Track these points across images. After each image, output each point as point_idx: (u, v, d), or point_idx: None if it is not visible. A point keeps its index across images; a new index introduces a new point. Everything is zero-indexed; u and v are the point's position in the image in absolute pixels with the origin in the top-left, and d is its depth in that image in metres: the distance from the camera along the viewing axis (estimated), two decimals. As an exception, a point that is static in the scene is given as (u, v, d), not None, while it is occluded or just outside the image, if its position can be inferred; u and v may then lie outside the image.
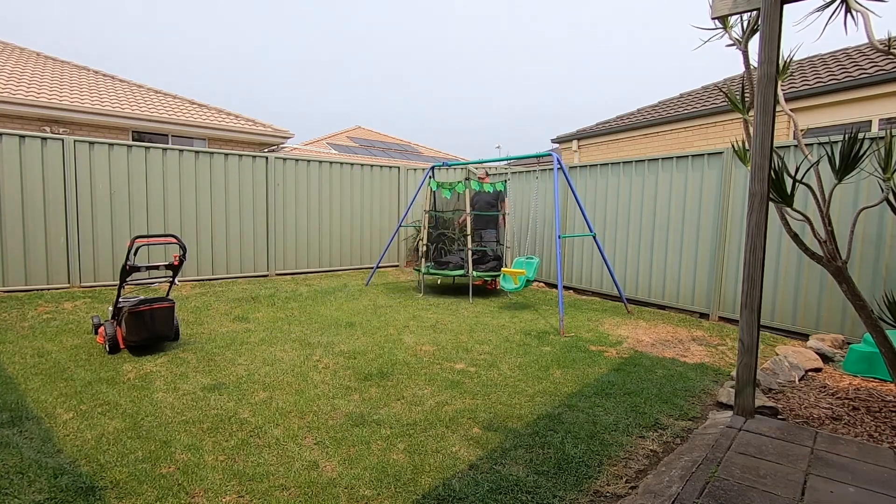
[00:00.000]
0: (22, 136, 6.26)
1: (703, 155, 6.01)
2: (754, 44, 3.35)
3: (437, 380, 3.62)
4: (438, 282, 7.81)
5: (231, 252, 7.85)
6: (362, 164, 9.39)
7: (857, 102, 7.50)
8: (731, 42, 3.54)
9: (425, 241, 7.36)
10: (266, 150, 12.30)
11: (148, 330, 4.05)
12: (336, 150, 19.90)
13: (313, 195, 8.71)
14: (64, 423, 2.81)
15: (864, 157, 3.06)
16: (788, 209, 3.28)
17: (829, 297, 4.87)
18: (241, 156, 7.90)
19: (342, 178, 9.07)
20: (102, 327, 4.12)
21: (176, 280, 4.46)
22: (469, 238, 6.96)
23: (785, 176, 3.22)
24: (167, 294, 4.58)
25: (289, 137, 12.42)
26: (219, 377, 3.59)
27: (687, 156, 6.16)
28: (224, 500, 2.15)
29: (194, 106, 12.26)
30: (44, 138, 6.40)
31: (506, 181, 7.21)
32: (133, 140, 10.27)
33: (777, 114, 2.93)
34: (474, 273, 6.88)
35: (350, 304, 6.24)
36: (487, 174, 8.42)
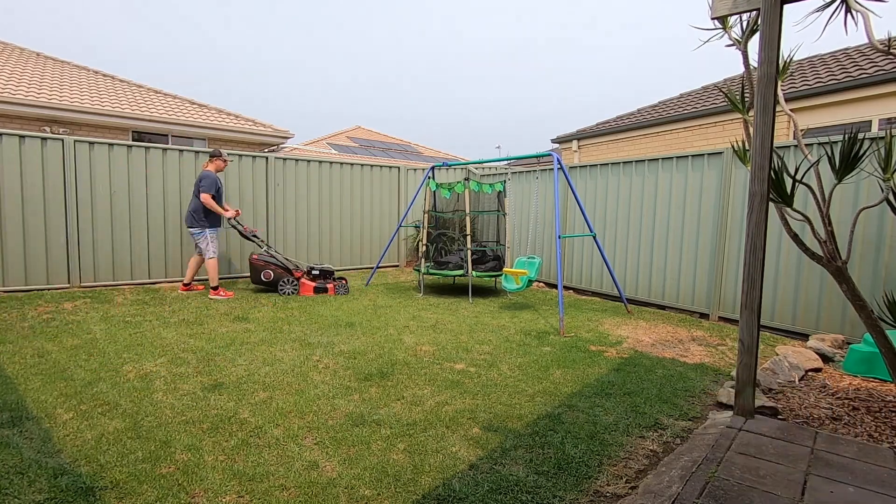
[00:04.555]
0: (22, 136, 6.26)
1: (702, 155, 6.01)
2: (754, 44, 3.36)
3: (437, 380, 3.62)
4: (440, 282, 7.81)
5: (231, 252, 7.85)
6: (362, 165, 9.39)
7: (857, 102, 7.51)
8: (731, 42, 3.54)
9: (425, 242, 7.36)
10: (266, 150, 12.30)
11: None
12: (336, 150, 19.90)
13: (313, 195, 8.71)
14: (64, 423, 2.81)
15: (864, 157, 3.06)
16: (788, 209, 3.28)
17: (829, 297, 4.87)
18: (241, 156, 7.90)
19: (342, 179, 9.07)
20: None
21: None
22: (469, 238, 6.96)
23: (785, 176, 3.22)
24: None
25: (289, 137, 12.42)
26: (219, 377, 3.59)
27: (687, 156, 6.16)
28: (224, 500, 2.15)
29: (194, 106, 12.26)
30: (44, 138, 6.40)
31: (505, 181, 7.21)
32: (133, 140, 10.28)
33: (777, 114, 2.93)
34: (474, 273, 6.88)
35: (350, 304, 6.24)
36: (212, 158, 6.45)
